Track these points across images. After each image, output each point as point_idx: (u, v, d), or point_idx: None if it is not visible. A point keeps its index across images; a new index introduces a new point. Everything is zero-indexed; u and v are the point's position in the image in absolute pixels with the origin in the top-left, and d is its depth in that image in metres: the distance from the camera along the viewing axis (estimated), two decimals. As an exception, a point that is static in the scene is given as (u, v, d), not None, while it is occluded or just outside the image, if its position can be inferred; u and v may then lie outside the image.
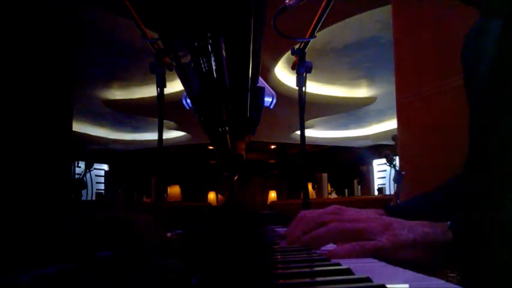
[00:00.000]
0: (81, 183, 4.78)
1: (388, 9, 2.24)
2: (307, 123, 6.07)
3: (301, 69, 1.42)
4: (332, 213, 0.54)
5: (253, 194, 9.36)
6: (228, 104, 0.77)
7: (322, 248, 0.55)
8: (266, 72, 4.42)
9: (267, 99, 1.17)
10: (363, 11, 3.28)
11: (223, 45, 0.54)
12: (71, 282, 0.36)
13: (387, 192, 6.66)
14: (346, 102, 5.60)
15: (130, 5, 1.23)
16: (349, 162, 8.79)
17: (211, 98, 0.72)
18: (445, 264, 0.49)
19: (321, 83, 5.06)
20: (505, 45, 0.48)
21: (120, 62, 4.28)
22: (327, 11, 1.20)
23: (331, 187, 8.52)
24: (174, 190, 8.48)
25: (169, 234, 0.78)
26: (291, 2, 1.08)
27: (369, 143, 8.15)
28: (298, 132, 1.54)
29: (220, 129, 0.93)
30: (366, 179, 8.31)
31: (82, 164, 5.24)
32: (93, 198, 6.53)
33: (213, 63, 0.58)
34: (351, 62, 4.41)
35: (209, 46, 0.54)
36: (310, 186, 7.67)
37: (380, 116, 6.40)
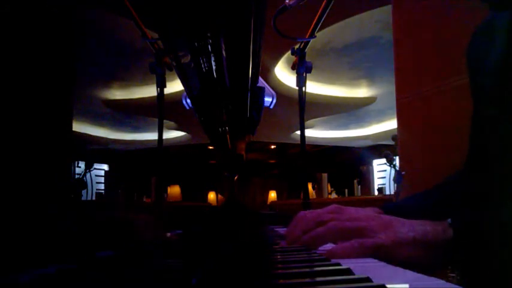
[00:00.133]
0: (81, 183, 4.78)
1: (388, 9, 2.24)
2: (307, 123, 6.07)
3: (301, 69, 1.42)
4: (331, 213, 0.54)
5: (253, 194, 9.36)
6: (228, 104, 0.77)
7: (322, 248, 0.55)
8: (266, 72, 4.42)
9: (267, 99, 1.17)
10: (363, 11, 3.28)
11: (223, 45, 0.54)
12: (71, 282, 0.36)
13: (387, 192, 6.66)
14: (346, 102, 5.60)
15: (130, 5, 1.23)
16: (349, 162, 8.79)
17: (211, 98, 0.72)
18: (445, 263, 0.49)
19: (321, 83, 5.06)
20: None
21: (120, 62, 4.28)
22: (327, 11, 1.20)
23: (331, 187, 8.52)
24: (174, 190, 8.48)
25: (169, 234, 0.78)
26: (291, 2, 1.08)
27: (369, 143, 8.15)
28: (298, 132, 1.54)
29: (220, 129, 0.93)
30: (366, 179, 8.31)
31: (82, 164, 5.24)
32: (93, 198, 6.53)
33: (213, 63, 0.58)
34: (351, 62, 4.41)
35: (209, 46, 0.54)
36: (310, 186, 7.66)
37: (380, 116, 6.40)
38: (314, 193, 8.13)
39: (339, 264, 0.41)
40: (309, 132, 7.09)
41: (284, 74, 4.68)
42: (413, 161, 1.83)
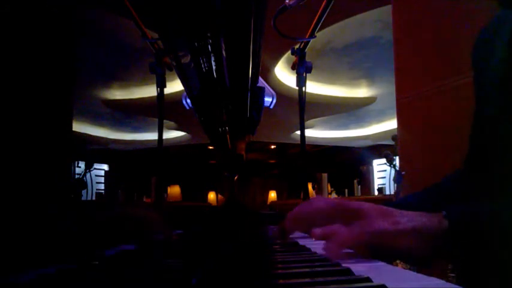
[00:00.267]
0: (81, 183, 4.78)
1: (388, 9, 2.24)
2: (307, 123, 6.07)
3: (301, 69, 1.41)
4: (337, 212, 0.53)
5: (253, 194, 9.36)
6: (228, 104, 0.77)
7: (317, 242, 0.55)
8: (266, 72, 4.42)
9: (267, 99, 1.17)
10: (363, 11, 3.28)
11: (223, 45, 0.54)
12: (71, 282, 0.36)
13: (387, 192, 6.66)
14: (346, 102, 5.60)
15: (130, 5, 1.23)
16: (349, 162, 8.79)
17: (211, 98, 0.72)
18: (441, 255, 0.49)
19: (321, 83, 5.06)
20: None
21: (120, 62, 4.28)
22: (327, 11, 1.19)
23: (331, 187, 8.52)
24: (174, 190, 8.48)
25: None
26: (291, 2, 1.08)
27: (369, 143, 8.15)
28: (298, 132, 1.54)
29: (220, 129, 0.93)
30: (366, 179, 8.31)
31: (82, 164, 5.24)
32: (93, 198, 6.53)
33: (213, 63, 0.58)
34: (351, 62, 4.41)
35: (209, 46, 0.54)
36: (310, 186, 7.66)
37: (380, 116, 6.40)
38: (314, 193, 8.13)
39: (338, 264, 0.41)
40: (309, 132, 7.08)
41: (284, 74, 4.68)
42: (413, 161, 1.83)
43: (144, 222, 0.57)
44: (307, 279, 0.35)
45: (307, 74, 1.44)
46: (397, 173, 2.01)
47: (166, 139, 7.01)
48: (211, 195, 8.54)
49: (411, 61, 1.86)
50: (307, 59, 1.42)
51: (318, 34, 1.29)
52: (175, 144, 7.59)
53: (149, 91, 4.96)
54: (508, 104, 0.49)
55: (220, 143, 1.05)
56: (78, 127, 6.26)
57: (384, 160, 5.85)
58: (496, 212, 0.46)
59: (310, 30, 1.28)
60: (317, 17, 1.23)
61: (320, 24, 1.25)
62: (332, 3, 1.16)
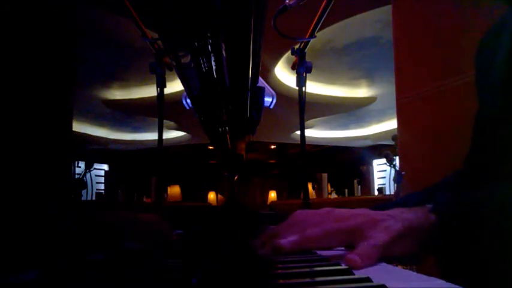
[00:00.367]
0: (81, 183, 4.78)
1: (388, 9, 2.24)
2: (307, 123, 6.07)
3: (301, 69, 1.42)
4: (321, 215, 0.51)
5: (253, 194, 9.36)
6: (228, 104, 0.77)
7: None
8: (266, 72, 4.42)
9: (267, 99, 1.17)
10: (363, 11, 3.28)
11: (223, 45, 0.54)
12: (71, 282, 0.36)
13: (387, 192, 6.66)
14: (346, 102, 5.60)
15: (130, 5, 1.23)
16: (349, 162, 8.79)
17: (211, 98, 0.72)
18: (428, 250, 0.48)
19: (321, 83, 5.06)
20: None
21: (120, 62, 4.28)
22: (327, 11, 1.19)
23: (331, 187, 8.52)
24: (174, 190, 8.48)
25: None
26: (291, 2, 1.08)
27: (369, 143, 8.15)
28: (298, 132, 1.54)
29: (220, 129, 0.93)
30: (366, 179, 8.30)
31: (82, 164, 5.24)
32: (93, 198, 6.53)
33: (213, 63, 0.58)
34: (351, 62, 4.41)
35: (209, 46, 0.54)
36: (310, 186, 7.66)
37: (380, 116, 6.40)
38: (314, 193, 8.13)
39: (338, 264, 0.41)
40: (309, 132, 7.08)
41: (284, 74, 4.68)
42: (413, 161, 1.83)
43: (145, 224, 0.57)
44: (307, 279, 0.35)
45: (307, 74, 1.44)
46: (397, 173, 2.01)
47: (166, 139, 7.01)
48: (211, 195, 8.54)
49: (411, 61, 1.86)
50: (307, 59, 1.42)
51: (318, 34, 1.29)
52: (175, 144, 7.59)
53: (149, 91, 4.97)
54: (510, 106, 0.49)
55: (220, 143, 1.05)
56: (78, 127, 6.26)
57: (384, 160, 5.85)
58: (485, 201, 0.46)
59: (310, 30, 1.28)
60: (317, 17, 1.23)
61: (320, 24, 1.25)
62: (332, 3, 1.17)
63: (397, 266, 0.43)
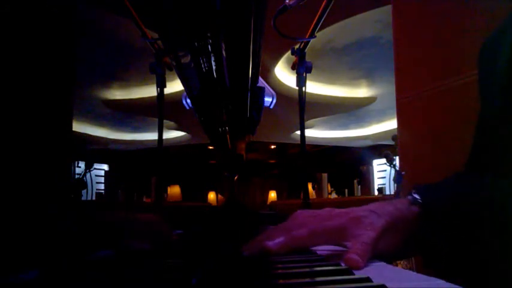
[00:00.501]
0: (81, 183, 4.78)
1: (388, 9, 2.24)
2: (307, 123, 6.07)
3: (301, 69, 1.42)
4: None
5: (253, 194, 9.36)
6: (228, 104, 0.77)
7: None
8: (266, 72, 4.42)
9: (267, 99, 1.17)
10: (363, 11, 3.28)
11: (223, 45, 0.54)
12: (70, 282, 0.36)
13: (387, 192, 6.66)
14: (346, 102, 5.60)
15: (130, 5, 1.23)
16: (349, 162, 8.79)
17: (211, 98, 0.72)
18: (410, 245, 0.47)
19: (321, 83, 5.06)
20: None
21: (120, 62, 4.28)
22: (327, 11, 1.19)
23: (331, 187, 8.52)
24: (174, 190, 8.48)
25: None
26: (291, 2, 1.08)
27: (369, 143, 8.15)
28: (298, 132, 1.54)
29: (220, 129, 0.93)
30: (366, 179, 8.31)
31: (82, 164, 5.24)
32: (93, 198, 6.53)
33: (213, 63, 0.58)
34: (350, 62, 4.41)
35: (209, 46, 0.54)
36: (310, 186, 7.66)
37: (380, 116, 6.40)
38: (314, 193, 8.13)
39: (338, 264, 0.41)
40: (309, 132, 7.09)
41: (284, 74, 4.68)
42: (413, 161, 1.83)
43: (145, 224, 0.57)
44: (307, 279, 0.35)
45: (307, 74, 1.44)
46: (397, 173, 2.01)
47: (166, 139, 7.01)
48: (211, 195, 8.54)
49: (411, 61, 1.86)
50: (307, 59, 1.42)
51: (318, 34, 1.29)
52: (175, 144, 7.59)
53: (149, 91, 4.97)
54: (510, 106, 0.49)
55: (220, 143, 1.05)
56: (78, 127, 6.26)
57: (384, 160, 5.85)
58: (468, 191, 0.46)
59: (310, 30, 1.28)
60: (317, 17, 1.23)
61: (320, 24, 1.25)
62: (332, 3, 1.17)
63: (396, 265, 0.43)
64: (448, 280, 0.32)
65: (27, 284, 0.34)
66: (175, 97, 1.78)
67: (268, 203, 8.49)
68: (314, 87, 5.04)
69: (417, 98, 1.79)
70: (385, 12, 3.07)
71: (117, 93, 5.26)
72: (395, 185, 2.42)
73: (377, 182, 8.10)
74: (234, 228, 0.91)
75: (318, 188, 8.38)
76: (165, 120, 1.72)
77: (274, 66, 4.42)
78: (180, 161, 8.15)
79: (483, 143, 0.56)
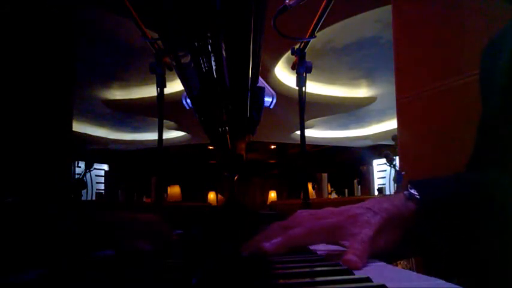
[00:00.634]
0: (81, 183, 4.78)
1: (388, 9, 2.24)
2: (307, 123, 6.07)
3: (301, 69, 1.42)
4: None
5: (253, 194, 9.36)
6: (228, 104, 0.77)
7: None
8: (266, 72, 4.42)
9: (267, 99, 1.17)
10: (363, 11, 3.28)
11: (223, 45, 0.54)
12: (70, 282, 0.36)
13: (387, 192, 6.66)
14: (346, 102, 5.60)
15: (130, 5, 1.23)
16: (349, 162, 8.79)
17: (211, 98, 0.72)
18: (407, 242, 0.47)
19: (321, 83, 5.06)
20: None
21: (120, 62, 4.28)
22: (327, 11, 1.19)
23: (331, 187, 8.52)
24: (174, 190, 8.48)
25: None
26: (291, 2, 1.08)
27: (369, 143, 8.15)
28: (298, 132, 1.54)
29: (220, 129, 0.93)
30: (366, 179, 8.30)
31: (82, 164, 5.25)
32: (93, 198, 6.53)
33: (213, 63, 0.58)
34: (351, 62, 4.41)
35: (209, 46, 0.54)
36: (310, 186, 7.66)
37: (380, 116, 6.40)
38: (314, 193, 8.13)
39: (338, 264, 0.41)
40: (309, 132, 7.08)
41: (284, 74, 4.68)
42: (413, 161, 1.83)
43: (145, 224, 0.57)
44: (307, 279, 0.35)
45: (307, 74, 1.44)
46: (397, 173, 2.01)
47: (166, 139, 7.01)
48: (211, 195, 8.54)
49: (411, 61, 1.86)
50: (307, 59, 1.42)
51: (318, 34, 1.29)
52: (175, 144, 7.59)
53: (149, 91, 4.97)
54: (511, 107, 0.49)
55: (220, 143, 1.05)
56: (78, 127, 6.26)
57: (384, 160, 5.85)
58: (464, 186, 0.46)
59: (310, 30, 1.28)
60: (317, 17, 1.23)
61: (320, 24, 1.25)
62: (332, 3, 1.17)
63: (396, 265, 0.43)
64: (446, 278, 0.32)
65: (27, 284, 0.34)
66: (175, 97, 1.78)
67: (268, 203, 8.49)
68: (314, 87, 5.04)
69: (417, 98, 1.79)
70: (385, 12, 3.07)
71: (117, 93, 5.26)
72: (395, 185, 2.42)
73: (377, 182, 8.09)
74: (234, 228, 0.91)
75: (318, 188, 8.38)
76: (165, 120, 1.72)
77: (274, 66, 4.42)
78: (180, 161, 8.15)
79: (484, 143, 0.56)
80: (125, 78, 4.79)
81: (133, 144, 7.71)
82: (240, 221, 0.99)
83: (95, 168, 5.84)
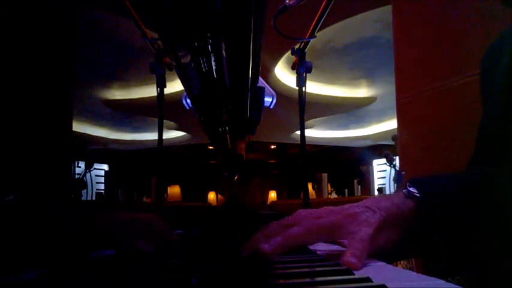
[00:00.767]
0: (81, 183, 4.78)
1: (388, 9, 2.24)
2: (307, 123, 6.07)
3: (301, 69, 1.41)
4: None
5: (253, 194, 9.36)
6: (228, 104, 0.77)
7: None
8: (266, 72, 4.42)
9: (267, 99, 1.17)
10: (363, 11, 3.28)
11: (223, 45, 0.54)
12: (70, 282, 0.36)
13: (387, 192, 6.66)
14: (346, 102, 5.60)
15: (130, 5, 1.23)
16: (349, 162, 8.79)
17: (211, 98, 0.72)
18: (406, 241, 0.47)
19: (321, 83, 5.06)
20: None
21: (120, 62, 4.28)
22: (327, 11, 1.19)
23: (331, 187, 8.52)
24: (174, 190, 8.48)
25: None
26: (291, 2, 1.08)
27: (369, 143, 8.15)
28: (298, 132, 1.54)
29: (220, 129, 0.93)
30: (366, 179, 8.30)
31: (82, 164, 5.25)
32: (93, 198, 6.53)
33: (213, 63, 0.58)
34: (351, 62, 4.41)
35: (209, 46, 0.54)
36: (310, 186, 7.66)
37: (380, 116, 6.40)
38: (314, 193, 8.13)
39: (338, 264, 0.41)
40: (309, 132, 7.08)
41: (284, 74, 4.68)
42: (413, 161, 1.83)
43: (145, 224, 0.57)
44: (307, 279, 0.35)
45: (307, 74, 1.44)
46: (397, 173, 2.01)
47: (166, 139, 7.01)
48: (211, 195, 8.54)
49: (411, 61, 1.86)
50: (307, 59, 1.42)
51: (318, 34, 1.29)
52: (175, 144, 7.59)
53: (149, 91, 4.96)
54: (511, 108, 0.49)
55: (220, 143, 1.05)
56: (78, 127, 6.26)
57: (384, 160, 5.85)
58: (462, 182, 0.45)
59: (310, 30, 1.28)
60: (317, 17, 1.23)
61: (320, 24, 1.25)
62: (332, 3, 1.16)
63: (396, 265, 0.43)
64: (446, 278, 0.32)
65: (27, 284, 0.34)
66: (175, 97, 1.78)
67: (268, 203, 8.50)
68: (314, 87, 5.04)
69: (417, 98, 1.79)
70: (385, 12, 3.07)
71: (117, 93, 5.26)
72: (395, 185, 2.42)
73: (377, 182, 8.09)
74: (234, 228, 0.91)
75: (318, 188, 8.38)
76: (165, 120, 1.72)
77: (274, 66, 4.42)
78: (180, 161, 8.15)
79: (485, 143, 0.56)
80: (125, 78, 4.79)
81: (133, 144, 7.71)
82: (240, 221, 0.99)
83: (95, 168, 5.85)
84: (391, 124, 6.56)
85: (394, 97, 1.91)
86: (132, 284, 0.35)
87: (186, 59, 0.62)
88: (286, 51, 3.94)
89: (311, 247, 0.55)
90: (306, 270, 0.39)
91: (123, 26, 3.32)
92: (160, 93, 1.50)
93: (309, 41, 1.32)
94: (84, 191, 5.15)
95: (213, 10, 0.48)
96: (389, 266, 0.42)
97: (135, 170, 8.04)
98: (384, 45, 3.80)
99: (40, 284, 0.34)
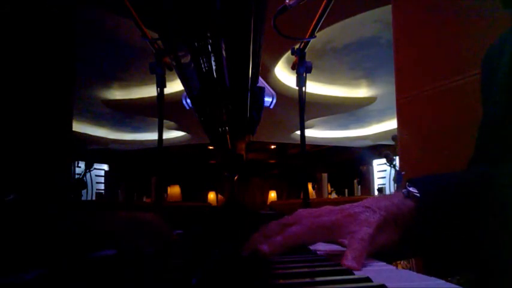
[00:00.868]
0: (81, 183, 4.78)
1: (388, 9, 2.24)
2: (307, 123, 6.07)
3: (301, 69, 1.42)
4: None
5: (253, 194, 9.36)
6: (228, 104, 0.77)
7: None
8: (266, 72, 4.42)
9: (267, 99, 1.17)
10: (363, 11, 3.28)
11: (223, 45, 0.54)
12: (70, 282, 0.36)
13: (387, 192, 6.66)
14: (346, 102, 5.60)
15: (130, 5, 1.23)
16: (349, 162, 8.79)
17: (211, 98, 0.72)
18: (406, 241, 0.47)
19: (321, 83, 5.06)
20: None
21: (120, 62, 4.28)
22: (327, 11, 1.19)
23: (331, 187, 8.52)
24: (174, 190, 8.48)
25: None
26: (291, 2, 1.08)
27: (369, 143, 8.15)
28: (298, 132, 1.54)
29: (220, 129, 0.93)
30: (366, 179, 8.31)
31: (82, 164, 5.25)
32: (93, 198, 6.53)
33: (213, 63, 0.58)
34: (351, 62, 4.41)
35: (209, 46, 0.54)
36: (310, 186, 7.66)
37: (380, 116, 6.40)
38: (314, 193, 8.13)
39: (338, 264, 0.41)
40: (309, 132, 7.08)
41: (284, 74, 4.68)
42: (413, 161, 1.83)
43: (145, 224, 0.57)
44: (307, 279, 0.35)
45: (307, 74, 1.44)
46: (397, 173, 2.01)
47: (166, 139, 7.01)
48: (211, 195, 8.54)
49: (411, 61, 1.86)
50: (307, 59, 1.42)
51: (318, 34, 1.29)
52: (175, 144, 7.58)
53: (149, 91, 4.96)
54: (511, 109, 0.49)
55: (220, 143, 1.05)
56: (78, 127, 6.26)
57: (384, 160, 5.86)
58: (462, 181, 0.45)
59: (310, 30, 1.28)
60: (317, 17, 1.23)
61: (320, 24, 1.25)
62: (332, 3, 1.17)
63: (396, 265, 0.43)
64: (446, 278, 0.32)
65: (27, 284, 0.34)
66: (175, 97, 1.78)
67: (268, 203, 8.50)
68: (314, 87, 5.04)
69: (417, 98, 1.79)
70: (385, 12, 3.07)
71: (117, 93, 5.26)
72: (395, 185, 2.42)
73: (377, 182, 8.09)
74: (234, 228, 0.91)
75: (318, 188, 8.38)
76: (165, 120, 1.72)
77: (274, 66, 4.42)
78: (180, 161, 8.15)
79: (485, 144, 0.56)
80: (124, 78, 4.79)
81: (133, 144, 7.71)
82: (240, 221, 0.99)
83: (95, 168, 5.85)
84: (391, 124, 6.56)
85: (394, 97, 1.91)
86: (132, 284, 0.35)
87: (186, 59, 0.62)
88: (286, 51, 3.94)
89: (311, 247, 0.55)
90: (306, 270, 0.39)
91: (123, 26, 3.32)
92: (160, 93, 1.50)
93: (309, 41, 1.32)
94: (84, 191, 5.15)
95: (213, 10, 0.48)
96: (390, 266, 0.42)
97: (135, 170, 8.04)
98: (384, 45, 3.80)
99: (40, 284, 0.34)
